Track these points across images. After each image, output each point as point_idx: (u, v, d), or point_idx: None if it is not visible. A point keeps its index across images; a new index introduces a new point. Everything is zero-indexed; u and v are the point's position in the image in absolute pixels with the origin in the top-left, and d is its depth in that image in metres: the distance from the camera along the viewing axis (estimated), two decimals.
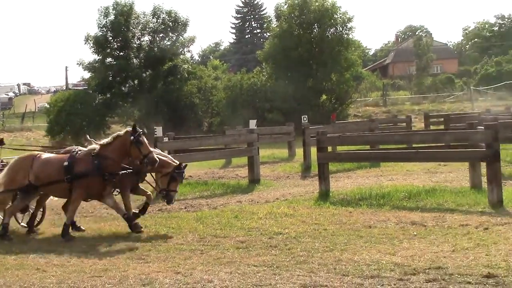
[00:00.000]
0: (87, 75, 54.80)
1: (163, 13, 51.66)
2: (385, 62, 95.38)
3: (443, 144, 14.96)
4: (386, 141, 17.52)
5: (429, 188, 14.18)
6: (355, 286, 7.30)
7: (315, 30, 49.42)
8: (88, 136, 13.34)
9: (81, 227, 12.13)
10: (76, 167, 11.35)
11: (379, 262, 8.18)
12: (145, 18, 51.41)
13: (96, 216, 13.95)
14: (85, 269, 8.77)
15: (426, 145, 15.54)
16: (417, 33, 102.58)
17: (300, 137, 23.90)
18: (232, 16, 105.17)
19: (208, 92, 51.30)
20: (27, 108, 69.45)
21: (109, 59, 50.84)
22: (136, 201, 13.87)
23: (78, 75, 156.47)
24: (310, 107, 45.45)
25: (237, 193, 16.67)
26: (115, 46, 50.51)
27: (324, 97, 49.32)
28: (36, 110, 68.99)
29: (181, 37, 52.21)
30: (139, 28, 51.20)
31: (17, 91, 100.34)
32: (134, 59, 50.72)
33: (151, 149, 11.55)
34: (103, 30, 50.16)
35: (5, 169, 12.04)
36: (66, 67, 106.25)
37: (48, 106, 55.21)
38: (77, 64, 51.21)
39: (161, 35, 51.80)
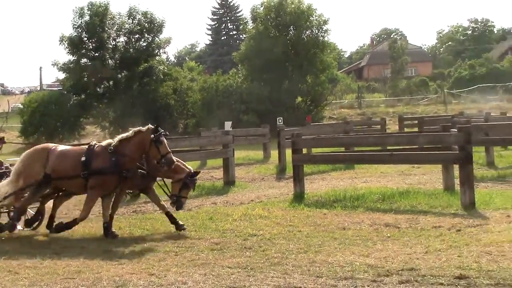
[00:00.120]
0: (61, 75, 54.52)
1: (138, 14, 51.50)
2: (360, 65, 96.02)
3: (417, 146, 15.07)
4: (361, 143, 17.64)
5: (403, 190, 14.27)
6: None
7: (291, 32, 49.61)
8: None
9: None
10: (94, 163, 11.16)
11: (353, 264, 8.22)
12: (120, 19, 51.20)
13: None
14: (58, 271, 8.70)
15: (400, 147, 15.64)
16: (392, 36, 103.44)
17: (275, 139, 23.93)
18: (208, 18, 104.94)
19: (183, 94, 51.18)
20: (1, 108, 68.78)
21: (84, 60, 50.53)
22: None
23: (53, 76, 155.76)
24: (286, 109, 45.61)
25: (212, 194, 16.65)
26: (90, 46, 50.22)
27: (299, 99, 49.45)
28: (10, 110, 68.30)
29: (157, 38, 52.04)
30: (115, 29, 50.97)
31: None
32: (110, 60, 50.45)
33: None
34: (78, 30, 49.88)
35: (18, 162, 11.74)
36: (41, 68, 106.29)
37: (22, 106, 54.76)
38: (52, 64, 51.12)
39: (136, 36, 51.57)
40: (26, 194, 11.73)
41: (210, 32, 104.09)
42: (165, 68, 52.42)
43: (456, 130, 13.08)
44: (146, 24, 51.17)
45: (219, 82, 49.42)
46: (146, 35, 51.62)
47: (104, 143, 11.62)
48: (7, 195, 11.65)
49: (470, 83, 63.14)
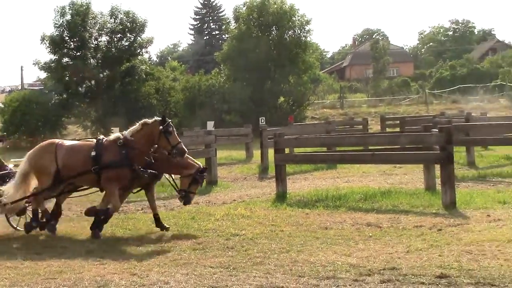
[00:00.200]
0: (43, 75, 54.15)
1: (121, 13, 51.17)
2: (342, 65, 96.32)
3: (399, 146, 15.15)
4: (343, 143, 17.73)
5: (385, 190, 14.34)
6: (311, 287, 7.35)
7: (273, 33, 49.65)
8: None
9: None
10: (104, 157, 11.05)
11: (335, 263, 8.25)
12: (102, 18, 50.86)
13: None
14: (39, 271, 8.65)
15: (382, 147, 15.72)
16: (374, 36, 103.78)
17: (257, 138, 23.97)
18: (191, 17, 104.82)
19: (166, 93, 51.00)
20: None
21: (65, 59, 50.18)
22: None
23: (34, 75, 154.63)
24: (268, 109, 45.67)
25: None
26: (72, 46, 49.83)
27: (282, 99, 49.53)
28: None
29: (139, 38, 51.75)
30: (97, 28, 50.62)
31: None
32: (91, 59, 50.15)
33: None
34: (59, 29, 49.47)
35: (24, 163, 11.54)
36: (22, 67, 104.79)
37: (2, 106, 54.32)
38: (33, 64, 50.51)
39: (118, 36, 51.25)
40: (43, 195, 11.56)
41: (192, 32, 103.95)
42: (147, 67, 52.17)
43: (437, 130, 13.16)
44: (128, 23, 50.89)
45: (202, 82, 49.38)
46: (128, 35, 51.33)
47: (112, 137, 11.52)
48: (20, 198, 11.49)
49: (451, 83, 63.57)
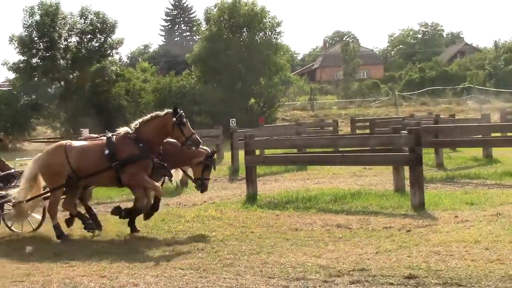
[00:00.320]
0: (11, 75, 53.45)
1: (91, 14, 50.82)
2: (313, 67, 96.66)
3: (369, 148, 15.24)
4: (313, 145, 17.77)
5: (355, 191, 14.41)
6: None
7: (244, 34, 49.68)
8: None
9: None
10: (121, 153, 10.88)
11: (305, 265, 8.29)
12: (72, 19, 50.44)
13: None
14: (7, 274, 8.58)
15: (352, 149, 15.81)
16: (344, 38, 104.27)
17: (228, 140, 23.95)
18: (162, 19, 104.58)
19: (136, 95, 50.74)
20: None
21: (35, 60, 49.68)
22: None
23: (2, 76, 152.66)
24: (239, 111, 45.60)
25: (165, 196, 16.48)
26: (41, 46, 49.33)
27: (252, 100, 49.58)
28: None
29: (109, 39, 51.46)
30: (66, 28, 50.18)
31: None
32: (61, 60, 49.68)
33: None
34: (28, 30, 48.95)
35: (31, 167, 11.30)
36: None
37: None
38: (2, 64, 49.90)
39: (88, 36, 50.88)
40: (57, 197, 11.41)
41: (163, 33, 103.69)
42: (118, 68, 51.85)
43: (406, 132, 13.26)
44: (99, 24, 50.56)
45: (173, 83, 49.28)
46: (98, 35, 50.99)
47: (122, 132, 11.34)
48: (37, 195, 11.37)
49: (420, 85, 64.17)
